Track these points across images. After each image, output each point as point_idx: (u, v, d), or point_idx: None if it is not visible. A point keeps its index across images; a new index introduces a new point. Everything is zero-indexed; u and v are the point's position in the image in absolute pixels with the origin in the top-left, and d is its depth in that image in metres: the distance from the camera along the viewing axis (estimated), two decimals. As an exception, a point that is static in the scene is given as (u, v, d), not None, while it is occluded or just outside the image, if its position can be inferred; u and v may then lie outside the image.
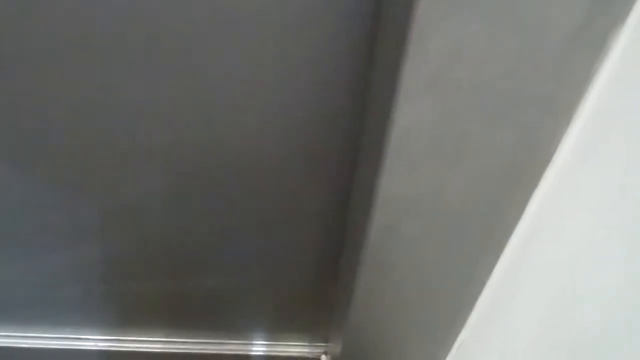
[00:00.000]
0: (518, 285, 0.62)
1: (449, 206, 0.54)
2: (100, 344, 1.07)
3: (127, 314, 1.02)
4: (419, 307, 0.71)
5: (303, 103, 0.62)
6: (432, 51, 0.40)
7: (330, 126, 0.65)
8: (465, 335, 0.76)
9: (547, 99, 0.45)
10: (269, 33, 0.55)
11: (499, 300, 0.66)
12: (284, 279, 0.93)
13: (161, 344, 1.07)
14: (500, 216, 0.56)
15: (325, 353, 1.08)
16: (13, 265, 0.92)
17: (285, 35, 0.55)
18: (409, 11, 0.39)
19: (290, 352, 1.08)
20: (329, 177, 0.73)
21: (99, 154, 0.69)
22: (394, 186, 0.51)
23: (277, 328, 1.07)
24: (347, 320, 0.74)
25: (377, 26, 0.53)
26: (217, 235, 0.84)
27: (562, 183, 0.50)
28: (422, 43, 0.40)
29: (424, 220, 0.56)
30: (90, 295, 0.97)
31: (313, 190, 0.75)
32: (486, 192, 0.53)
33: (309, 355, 1.09)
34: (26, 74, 0.59)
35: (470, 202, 0.54)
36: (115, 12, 0.53)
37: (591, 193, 0.46)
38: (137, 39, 0.55)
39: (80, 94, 0.61)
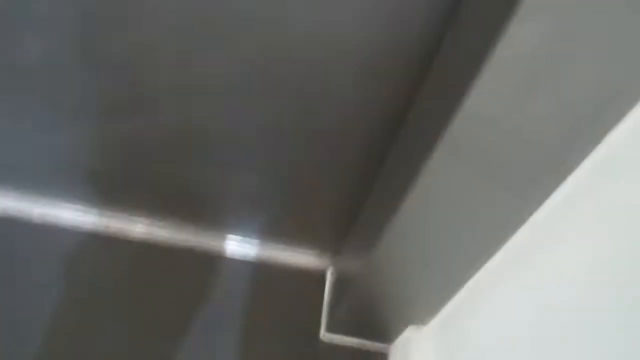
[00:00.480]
0: (560, 234, 0.61)
1: (526, 130, 0.52)
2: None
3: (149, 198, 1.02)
4: (453, 238, 0.70)
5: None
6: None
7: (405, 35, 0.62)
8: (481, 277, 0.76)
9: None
10: None
11: (533, 246, 0.65)
12: (309, 184, 0.92)
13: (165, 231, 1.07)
14: (566, 154, 0.54)
15: (333, 266, 1.08)
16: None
17: None
18: None
19: (296, 261, 1.08)
20: (387, 92, 0.70)
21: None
22: (481, 104, 0.48)
23: (288, 232, 1.06)
24: (377, 239, 0.73)
25: None
26: (252, 129, 0.81)
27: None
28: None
29: (496, 140, 0.53)
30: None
31: (369, 98, 0.72)
32: (563, 124, 0.50)
33: (317, 266, 1.09)
34: None
35: (548, 132, 0.51)
36: None
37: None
38: None
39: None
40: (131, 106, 0.80)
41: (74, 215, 1.06)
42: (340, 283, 1.01)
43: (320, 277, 1.08)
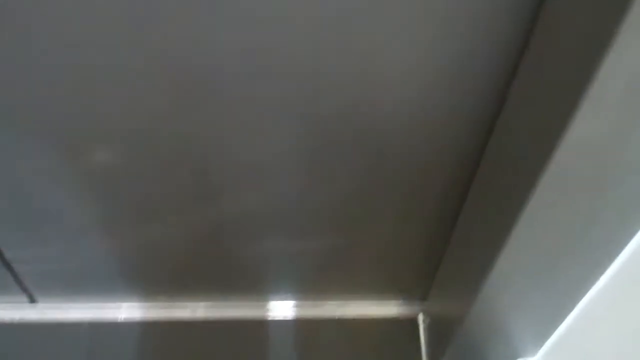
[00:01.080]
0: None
1: (631, 152, 0.50)
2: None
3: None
4: (551, 274, 0.68)
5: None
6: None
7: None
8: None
9: None
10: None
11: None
12: (391, 235, 0.91)
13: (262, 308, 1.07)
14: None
15: (423, 312, 1.06)
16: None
17: None
18: None
19: (386, 311, 1.06)
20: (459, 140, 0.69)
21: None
22: (586, 127, 0.47)
23: (374, 285, 1.05)
24: (479, 280, 0.71)
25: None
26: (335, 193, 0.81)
27: None
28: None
29: (600, 165, 0.52)
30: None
31: (442, 149, 0.71)
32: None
33: (406, 314, 1.07)
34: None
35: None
36: None
37: None
38: None
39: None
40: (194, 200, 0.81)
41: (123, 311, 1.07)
42: (437, 327, 0.99)
43: (411, 324, 1.06)
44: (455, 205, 0.81)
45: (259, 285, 1.04)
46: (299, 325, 1.06)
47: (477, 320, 0.80)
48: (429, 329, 1.03)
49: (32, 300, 1.04)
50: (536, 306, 0.76)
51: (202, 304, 1.06)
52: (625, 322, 0.65)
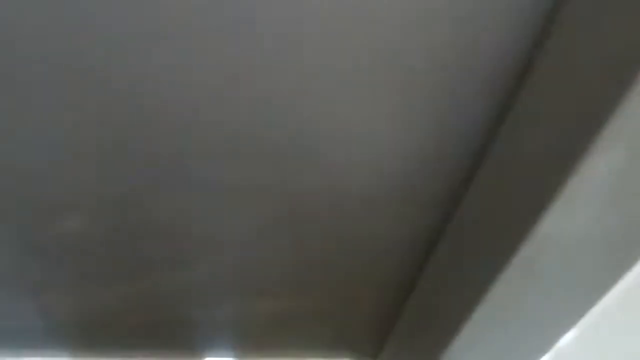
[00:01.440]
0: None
1: (594, 245, 0.54)
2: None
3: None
4: (517, 342, 0.71)
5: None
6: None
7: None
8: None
9: None
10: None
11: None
12: (345, 296, 0.92)
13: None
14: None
15: (374, 370, 1.07)
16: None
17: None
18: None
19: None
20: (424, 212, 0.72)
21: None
22: (555, 224, 0.50)
23: (324, 345, 1.05)
24: (441, 345, 0.73)
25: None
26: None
27: None
28: None
29: (562, 257, 0.55)
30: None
31: (405, 221, 0.73)
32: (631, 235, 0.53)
33: (356, 373, 1.08)
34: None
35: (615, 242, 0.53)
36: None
37: None
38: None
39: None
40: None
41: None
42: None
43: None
44: (414, 272, 0.83)
45: (210, 344, 1.02)
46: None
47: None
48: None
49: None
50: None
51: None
52: None
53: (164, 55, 0.50)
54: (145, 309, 0.92)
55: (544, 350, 0.71)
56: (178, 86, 0.53)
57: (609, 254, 0.55)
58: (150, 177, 0.62)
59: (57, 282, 0.83)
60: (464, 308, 0.66)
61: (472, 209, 0.65)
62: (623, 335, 0.70)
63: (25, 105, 0.54)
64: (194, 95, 0.54)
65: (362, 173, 0.65)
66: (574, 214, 0.49)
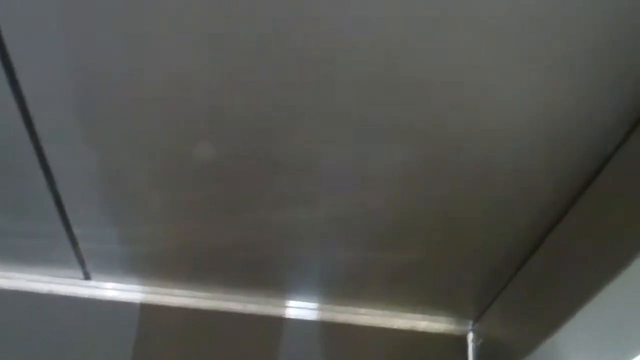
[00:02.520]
0: None
1: None
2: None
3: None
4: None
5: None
6: None
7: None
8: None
9: None
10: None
11: None
12: (458, 257, 0.90)
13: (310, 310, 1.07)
14: None
15: (473, 332, 1.06)
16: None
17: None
18: None
19: (435, 327, 1.06)
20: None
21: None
22: None
23: (425, 302, 1.05)
24: (556, 320, 0.70)
25: None
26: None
27: None
28: None
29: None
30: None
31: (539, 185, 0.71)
32: None
33: (455, 332, 1.06)
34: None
35: None
36: None
37: None
38: None
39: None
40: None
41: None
42: (491, 350, 0.99)
43: (460, 343, 1.06)
44: (528, 246, 0.81)
45: (319, 289, 1.04)
46: (347, 330, 1.06)
47: (547, 354, 0.79)
48: (481, 350, 1.03)
49: (87, 277, 1.05)
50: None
51: (254, 298, 1.06)
52: None
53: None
54: (249, 246, 0.94)
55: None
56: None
57: None
58: (292, 107, 0.63)
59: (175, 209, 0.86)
60: (589, 288, 0.62)
61: (613, 180, 0.62)
62: None
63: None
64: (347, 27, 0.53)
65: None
66: None
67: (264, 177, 0.76)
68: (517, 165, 0.68)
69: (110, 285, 1.06)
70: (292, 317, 1.06)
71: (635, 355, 0.74)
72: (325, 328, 1.06)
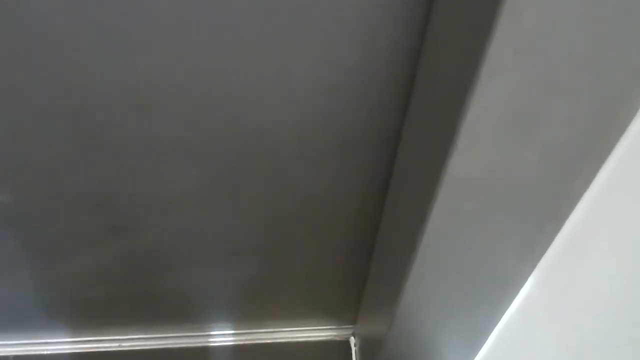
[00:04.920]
0: (571, 270, 0.60)
1: (515, 183, 0.52)
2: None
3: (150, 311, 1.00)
4: (466, 295, 0.69)
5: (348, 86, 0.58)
6: (525, 21, 0.37)
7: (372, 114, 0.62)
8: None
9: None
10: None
11: (550, 284, 0.64)
12: (314, 264, 0.91)
13: (187, 338, 1.05)
14: (563, 194, 0.54)
15: (354, 335, 1.06)
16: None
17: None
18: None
19: (318, 336, 1.07)
20: (366, 166, 0.70)
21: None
22: (463, 166, 0.48)
23: (304, 313, 1.05)
24: (393, 303, 0.72)
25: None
26: (243, 226, 0.81)
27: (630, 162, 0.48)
28: (515, 13, 0.37)
29: (486, 199, 0.53)
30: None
31: (351, 177, 0.72)
32: (554, 167, 0.50)
33: (338, 338, 1.07)
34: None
35: (537, 178, 0.51)
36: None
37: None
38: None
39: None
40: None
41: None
42: (367, 348, 1.00)
43: (344, 347, 1.06)
44: (371, 234, 0.82)
45: (183, 316, 1.03)
46: (235, 352, 1.05)
47: (399, 338, 0.81)
48: (360, 351, 1.04)
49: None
50: (458, 323, 0.77)
51: (129, 337, 1.04)
52: (552, 333, 0.67)
53: None
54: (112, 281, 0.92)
55: (509, 294, 0.69)
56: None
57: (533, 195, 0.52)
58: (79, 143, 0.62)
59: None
60: (405, 263, 0.64)
61: (403, 164, 0.64)
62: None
63: None
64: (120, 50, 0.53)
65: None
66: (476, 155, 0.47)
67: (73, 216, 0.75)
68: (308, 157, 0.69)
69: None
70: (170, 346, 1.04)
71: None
72: (214, 354, 1.05)
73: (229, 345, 1.06)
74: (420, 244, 0.59)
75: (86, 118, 0.60)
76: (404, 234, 0.66)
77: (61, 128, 0.61)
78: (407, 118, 0.61)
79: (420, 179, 0.56)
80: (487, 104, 0.43)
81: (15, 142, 0.62)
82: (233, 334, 1.06)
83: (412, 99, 0.59)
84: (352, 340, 1.07)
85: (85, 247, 0.81)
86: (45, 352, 1.03)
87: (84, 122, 0.61)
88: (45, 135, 0.62)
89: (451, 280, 0.67)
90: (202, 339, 1.05)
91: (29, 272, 0.87)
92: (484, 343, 0.82)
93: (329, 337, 1.07)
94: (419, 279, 0.66)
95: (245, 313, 1.04)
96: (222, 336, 1.05)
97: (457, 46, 0.45)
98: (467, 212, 0.54)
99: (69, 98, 0.58)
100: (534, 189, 0.53)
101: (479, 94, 0.42)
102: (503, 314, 0.74)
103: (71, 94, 0.57)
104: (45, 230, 0.76)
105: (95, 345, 1.03)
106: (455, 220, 0.55)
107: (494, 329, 0.78)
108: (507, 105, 0.44)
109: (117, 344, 1.03)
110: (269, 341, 1.06)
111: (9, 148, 0.63)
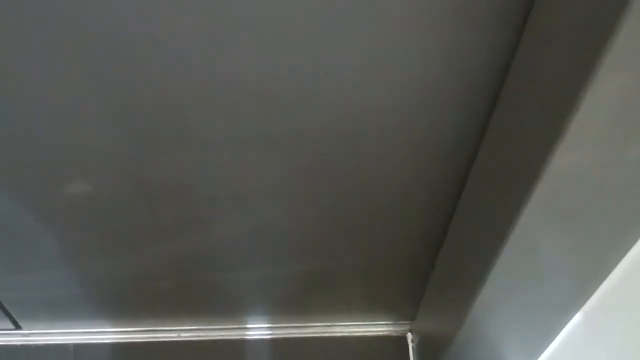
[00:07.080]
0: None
1: (614, 183, 0.50)
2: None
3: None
4: (539, 299, 0.68)
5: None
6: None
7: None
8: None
9: None
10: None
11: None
12: (376, 258, 0.90)
13: (245, 330, 1.06)
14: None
15: (411, 331, 1.06)
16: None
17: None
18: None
19: (375, 331, 1.06)
20: (444, 158, 0.69)
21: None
22: (567, 160, 0.47)
23: (361, 307, 1.04)
24: (466, 304, 0.71)
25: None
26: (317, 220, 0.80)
27: None
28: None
29: (584, 197, 0.52)
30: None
31: (428, 170, 0.71)
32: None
33: (394, 334, 1.06)
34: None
35: (636, 178, 0.50)
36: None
37: None
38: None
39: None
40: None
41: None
42: (427, 346, 0.99)
43: (400, 343, 1.06)
44: (440, 228, 0.81)
45: (245, 309, 1.03)
46: (291, 344, 1.05)
47: (467, 339, 0.80)
48: (418, 348, 1.03)
49: (17, 326, 1.03)
50: (526, 325, 0.76)
51: (188, 327, 1.05)
52: (616, 340, 0.65)
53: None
54: (164, 276, 0.93)
55: (579, 298, 0.68)
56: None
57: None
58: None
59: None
60: (488, 255, 0.63)
61: (491, 153, 0.63)
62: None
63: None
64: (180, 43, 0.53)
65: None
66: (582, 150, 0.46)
67: (149, 207, 0.75)
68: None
69: (40, 331, 1.04)
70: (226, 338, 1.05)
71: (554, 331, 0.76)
72: (273, 346, 1.05)
73: (285, 338, 1.06)
74: (507, 242, 0.58)
75: (169, 112, 0.60)
76: (484, 231, 0.64)
77: (142, 120, 0.62)
78: (495, 112, 0.60)
79: (512, 172, 0.55)
80: (603, 97, 0.42)
81: (98, 134, 0.63)
82: (290, 327, 1.06)
83: (502, 93, 0.58)
84: (410, 336, 1.06)
85: (158, 239, 0.81)
86: (105, 341, 1.04)
87: (167, 115, 0.61)
88: (131, 128, 0.62)
89: (530, 283, 0.66)
90: (260, 331, 1.05)
91: (98, 262, 0.88)
92: (547, 346, 0.80)
93: (385, 332, 1.06)
94: (499, 280, 0.64)
95: (303, 306, 1.04)
96: (279, 329, 1.06)
97: (571, 39, 0.43)
98: (562, 210, 0.53)
99: (153, 92, 0.58)
100: (629, 190, 0.51)
101: (596, 87, 0.41)
102: (571, 318, 0.73)
103: (154, 89, 0.57)
104: (122, 221, 0.77)
105: (154, 335, 1.04)
106: (549, 218, 0.54)
107: (560, 332, 0.77)
108: (620, 100, 0.42)
109: (175, 334, 1.04)
110: (326, 335, 1.06)
111: (93, 139, 0.63)
